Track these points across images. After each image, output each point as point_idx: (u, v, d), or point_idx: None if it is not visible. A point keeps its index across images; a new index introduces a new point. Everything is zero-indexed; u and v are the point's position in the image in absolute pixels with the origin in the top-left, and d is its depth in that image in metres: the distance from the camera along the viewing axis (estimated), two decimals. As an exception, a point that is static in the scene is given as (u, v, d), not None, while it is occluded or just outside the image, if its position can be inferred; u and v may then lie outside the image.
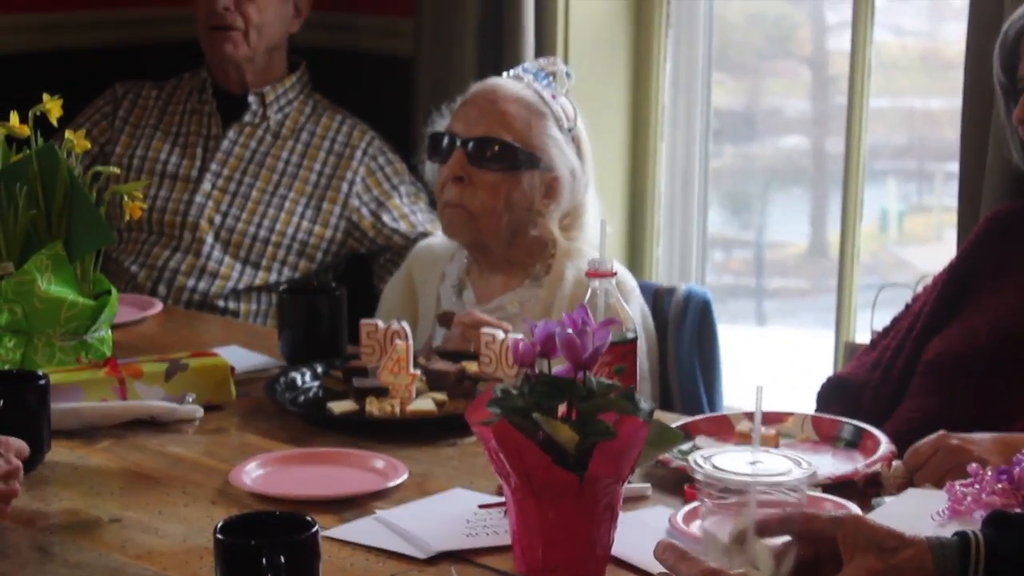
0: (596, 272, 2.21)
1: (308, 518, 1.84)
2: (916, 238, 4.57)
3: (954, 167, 4.19)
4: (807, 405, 2.81)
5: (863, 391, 2.69)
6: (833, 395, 2.73)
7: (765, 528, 1.72)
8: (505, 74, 3.08)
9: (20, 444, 2.16)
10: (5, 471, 2.11)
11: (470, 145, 2.98)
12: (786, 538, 1.73)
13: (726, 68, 4.02)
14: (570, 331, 1.89)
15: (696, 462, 1.81)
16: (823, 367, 3.60)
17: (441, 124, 3.08)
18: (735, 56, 4.11)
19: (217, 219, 3.68)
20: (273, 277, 3.67)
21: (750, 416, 2.42)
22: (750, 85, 4.35)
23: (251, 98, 3.76)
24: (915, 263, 4.38)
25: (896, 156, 4.20)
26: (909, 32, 4.15)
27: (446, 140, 3.02)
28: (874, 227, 3.71)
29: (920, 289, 2.80)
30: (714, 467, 1.79)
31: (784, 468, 1.79)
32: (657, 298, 3.17)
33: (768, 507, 1.74)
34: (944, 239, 4.44)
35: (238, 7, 3.69)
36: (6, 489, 2.11)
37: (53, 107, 2.70)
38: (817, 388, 2.78)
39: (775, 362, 4.17)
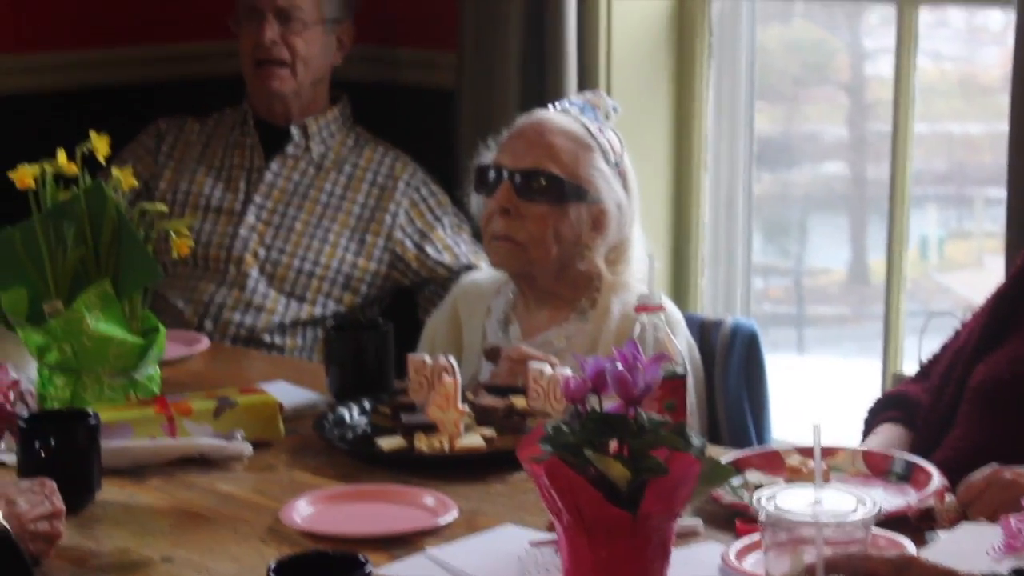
0: (645, 307, 2.22)
1: (360, 557, 1.84)
2: (956, 264, 4.54)
3: (994, 192, 4.18)
4: (854, 435, 2.80)
5: (916, 409, 2.68)
6: (889, 405, 2.72)
7: (826, 568, 1.71)
8: (551, 107, 3.08)
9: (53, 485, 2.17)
10: (49, 512, 2.12)
11: (517, 177, 2.98)
12: None
13: (763, 95, 4.02)
14: (621, 367, 1.89)
15: (759, 501, 1.80)
16: (868, 396, 3.58)
17: (487, 157, 3.08)
18: (772, 83, 4.11)
19: (262, 252, 3.69)
20: (318, 311, 3.68)
21: (801, 451, 2.41)
22: (787, 112, 4.34)
23: (294, 130, 3.77)
24: (956, 289, 4.36)
25: (936, 182, 4.18)
26: (947, 57, 4.14)
27: (493, 173, 3.03)
28: (914, 253, 3.70)
29: (969, 316, 2.79)
30: (778, 507, 1.79)
31: (848, 506, 1.79)
32: (703, 331, 3.16)
33: (829, 546, 1.73)
34: (985, 265, 4.42)
35: (285, 40, 3.70)
36: (50, 530, 2.12)
37: (100, 145, 2.71)
38: (866, 412, 2.77)
39: (818, 391, 4.15)
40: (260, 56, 3.71)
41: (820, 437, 1.83)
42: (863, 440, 2.69)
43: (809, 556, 1.72)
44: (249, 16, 3.73)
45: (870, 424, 2.73)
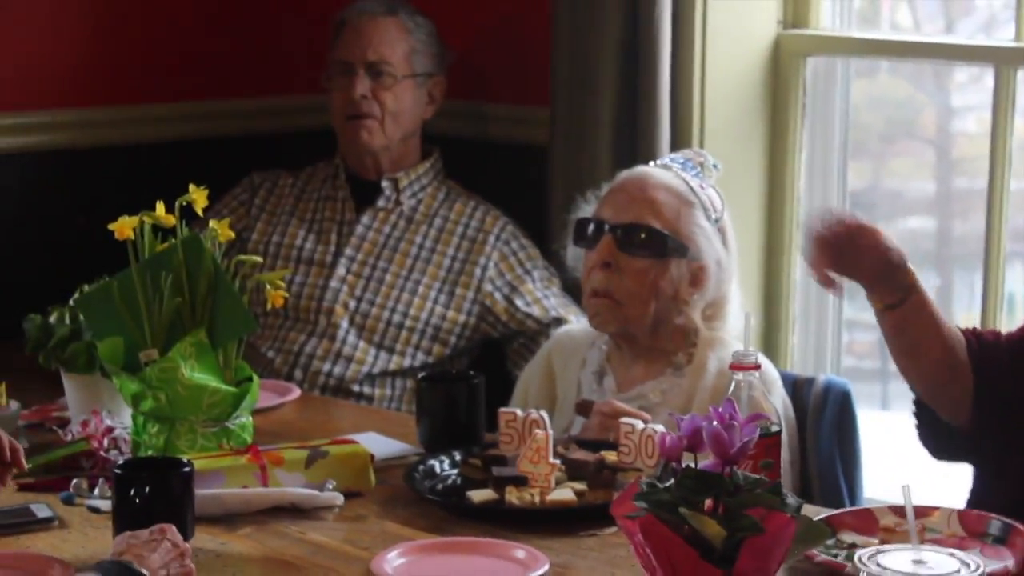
0: (740, 365, 2.21)
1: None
2: (1044, 321, 4.51)
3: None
4: (941, 493, 2.78)
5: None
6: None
7: None
8: (652, 163, 3.09)
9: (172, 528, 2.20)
10: (178, 552, 2.15)
11: (619, 231, 2.99)
12: None
13: (850, 150, 4.01)
14: (717, 425, 1.89)
15: (860, 560, 1.79)
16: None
17: (587, 210, 3.09)
18: (858, 138, 4.10)
19: (352, 304, 3.72)
20: (407, 362, 3.70)
21: (895, 510, 2.40)
22: (873, 167, 4.33)
23: (384, 183, 3.80)
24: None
25: (1023, 239, 4.15)
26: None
27: (593, 226, 3.03)
28: (1003, 310, 3.68)
29: None
30: (879, 566, 1.78)
31: (951, 567, 1.78)
32: (796, 388, 3.15)
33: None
34: (1072, 321, 4.38)
35: (375, 95, 3.74)
36: (185, 571, 2.14)
37: (199, 197, 2.74)
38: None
39: (905, 449, 4.12)
40: (350, 112, 3.75)
41: (911, 497, 1.82)
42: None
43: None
44: (341, 71, 3.77)
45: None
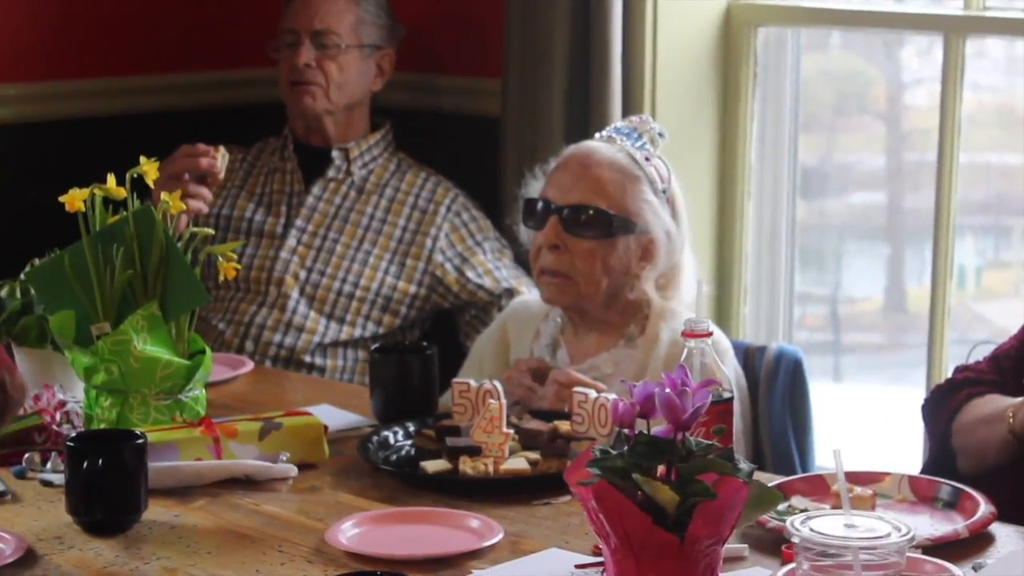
0: (692, 332, 2.22)
1: (408, 578, 1.85)
2: (994, 294, 4.54)
3: (1032, 223, 4.17)
4: (894, 462, 2.80)
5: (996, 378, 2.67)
6: (963, 385, 2.71)
7: None
8: (597, 135, 3.09)
9: None
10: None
11: (564, 212, 2.99)
12: None
13: (801, 124, 4.03)
14: (670, 392, 1.89)
15: (793, 525, 1.81)
16: (908, 424, 3.59)
17: (535, 187, 3.09)
18: (810, 112, 4.12)
19: (302, 274, 3.72)
20: (358, 332, 3.70)
21: (847, 476, 2.41)
22: (824, 140, 4.35)
23: (335, 153, 3.80)
24: (993, 319, 4.36)
25: (974, 212, 4.18)
26: (986, 88, 4.14)
27: (540, 206, 3.03)
28: (951, 283, 3.70)
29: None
30: (812, 530, 1.79)
31: (882, 531, 1.79)
32: (748, 357, 3.17)
33: (869, 571, 1.73)
34: (1023, 294, 4.41)
35: (320, 64, 3.74)
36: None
37: (150, 169, 2.73)
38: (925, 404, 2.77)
39: (858, 419, 4.15)
40: (295, 78, 3.75)
41: (841, 461, 1.84)
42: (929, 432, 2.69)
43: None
44: (288, 40, 3.78)
45: (935, 410, 2.72)
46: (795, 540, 1.79)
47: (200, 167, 3.32)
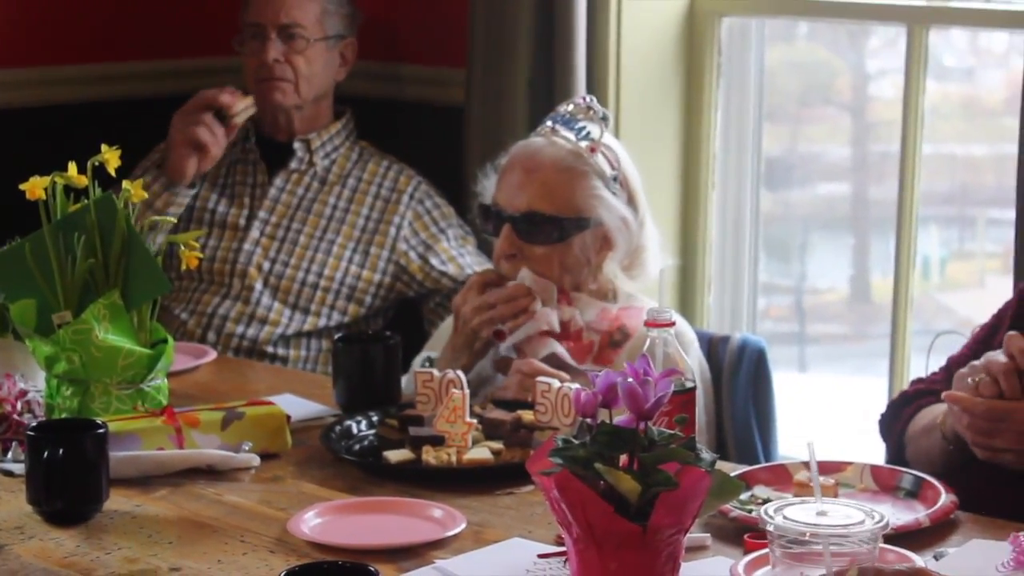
0: (655, 322, 2.22)
1: (371, 568, 1.84)
2: (958, 284, 4.56)
3: (996, 213, 4.19)
4: (858, 452, 2.80)
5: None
6: (916, 397, 2.71)
7: None
8: (540, 128, 3.03)
9: None
10: None
11: (516, 222, 2.97)
12: None
13: (766, 115, 4.03)
14: (632, 381, 1.89)
15: (766, 513, 1.81)
16: (872, 413, 3.60)
17: (487, 186, 3.06)
18: (775, 103, 4.12)
19: (266, 266, 3.71)
20: (322, 322, 3.70)
21: (809, 465, 2.42)
22: (790, 132, 4.36)
23: (297, 145, 3.79)
24: (957, 309, 4.37)
25: (938, 203, 4.20)
26: (951, 79, 4.16)
27: (492, 213, 3.02)
28: (916, 273, 3.72)
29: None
30: (785, 518, 1.79)
31: (855, 518, 1.79)
32: (711, 347, 3.17)
33: (838, 558, 1.74)
34: (987, 285, 4.43)
35: (287, 59, 3.72)
36: None
37: (111, 157, 2.71)
38: (882, 416, 2.77)
39: (823, 409, 4.16)
40: (263, 75, 3.73)
41: (815, 453, 1.84)
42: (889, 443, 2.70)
43: (820, 569, 1.73)
44: (252, 34, 3.75)
45: (890, 425, 2.72)
46: (769, 528, 1.79)
47: (219, 100, 3.54)
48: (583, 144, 2.96)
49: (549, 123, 3.02)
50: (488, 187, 3.06)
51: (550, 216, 2.95)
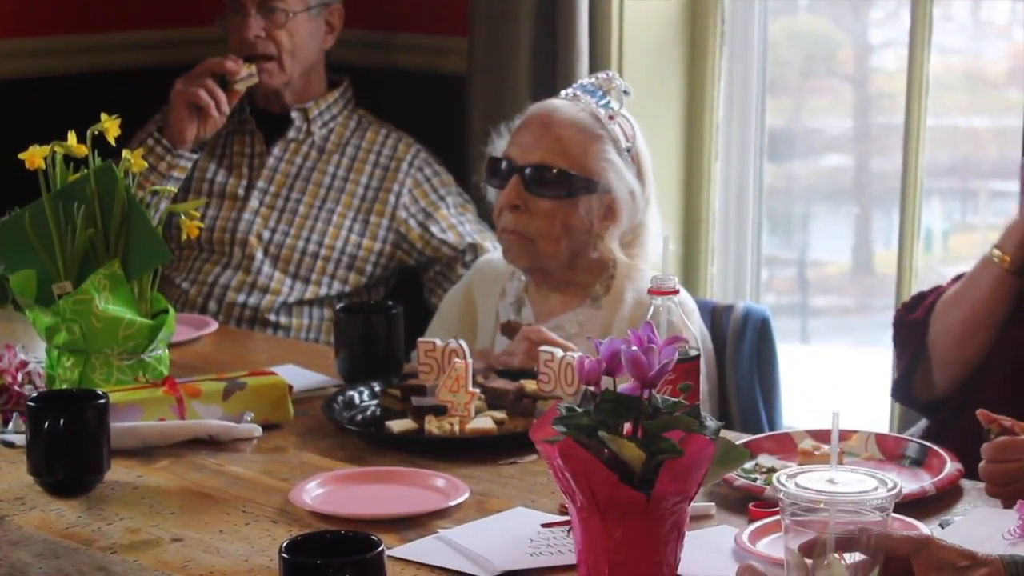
0: (658, 290, 2.21)
1: (374, 537, 1.83)
2: (960, 257, 4.55)
3: (999, 185, 4.18)
4: (862, 423, 2.79)
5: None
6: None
7: (842, 546, 1.71)
8: (562, 93, 3.07)
9: None
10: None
11: (526, 172, 2.98)
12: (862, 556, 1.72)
13: (768, 87, 4.02)
14: (636, 349, 1.88)
15: (779, 481, 1.80)
16: (876, 386, 3.59)
17: (499, 145, 3.08)
18: (777, 75, 4.11)
19: (266, 235, 3.70)
20: (323, 291, 3.69)
21: (813, 434, 2.41)
22: (792, 104, 4.34)
23: (294, 114, 3.78)
24: (959, 282, 4.36)
25: (940, 175, 4.18)
26: (953, 51, 4.14)
27: (503, 165, 3.02)
28: (918, 245, 3.71)
29: None
30: (798, 486, 1.78)
31: (868, 486, 1.79)
32: (715, 316, 3.17)
33: (846, 526, 1.73)
34: (991, 257, 4.42)
35: (269, 35, 3.70)
36: None
37: (111, 127, 2.70)
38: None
39: (826, 381, 4.15)
40: (246, 52, 3.71)
41: (838, 423, 1.83)
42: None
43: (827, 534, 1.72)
44: (233, 10, 3.73)
45: (909, 313, 2.72)
46: (781, 496, 1.78)
47: (224, 66, 3.59)
48: (602, 111, 2.98)
49: (571, 89, 3.06)
50: (500, 145, 3.07)
51: (562, 170, 2.96)
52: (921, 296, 2.76)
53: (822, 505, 1.75)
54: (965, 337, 2.62)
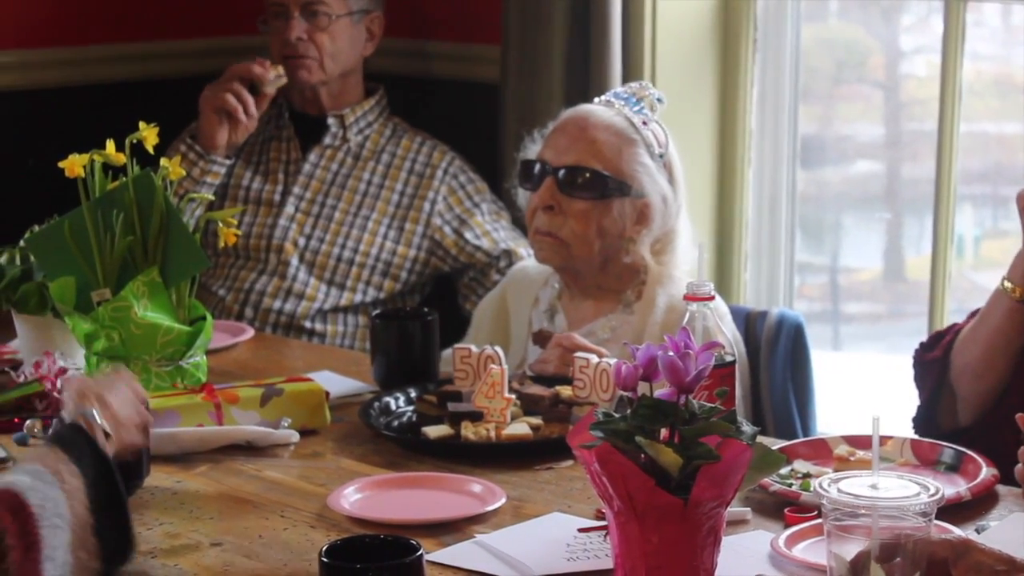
0: (694, 296, 2.22)
1: (413, 542, 1.85)
2: (992, 263, 4.53)
3: (1031, 192, 4.17)
4: (896, 429, 2.80)
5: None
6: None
7: (885, 551, 1.72)
8: (596, 99, 3.09)
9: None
10: (140, 398, 2.18)
11: (560, 173, 3.00)
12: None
13: (800, 93, 4.02)
14: (672, 354, 1.89)
15: (821, 486, 1.81)
16: (909, 393, 3.59)
17: (532, 150, 3.09)
18: (808, 82, 4.11)
19: (302, 241, 3.72)
20: (358, 298, 3.71)
21: (849, 440, 2.42)
22: (823, 110, 4.34)
23: (331, 120, 3.80)
24: (991, 288, 4.35)
25: (972, 181, 4.17)
26: (983, 57, 4.13)
27: (537, 167, 3.04)
28: (951, 251, 3.71)
29: None
30: (840, 491, 1.79)
31: (910, 491, 1.79)
32: (749, 322, 3.17)
33: (887, 531, 1.73)
34: (1021, 264, 4.40)
35: (311, 36, 3.72)
36: (143, 419, 2.17)
37: (149, 135, 2.72)
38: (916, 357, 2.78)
39: (858, 388, 4.15)
40: (287, 52, 3.73)
41: (879, 427, 1.84)
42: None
43: (870, 542, 1.72)
44: (275, 13, 3.76)
45: (927, 353, 2.73)
46: (823, 502, 1.79)
47: (251, 71, 3.59)
48: (636, 117, 3.01)
49: (606, 96, 3.08)
50: (533, 150, 3.08)
51: (596, 171, 2.97)
52: (939, 335, 2.77)
53: (864, 510, 1.76)
54: (984, 370, 2.63)
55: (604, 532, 2.07)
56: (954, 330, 2.73)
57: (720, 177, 3.92)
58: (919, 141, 4.06)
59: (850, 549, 1.75)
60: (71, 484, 1.85)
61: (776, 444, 2.44)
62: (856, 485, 1.80)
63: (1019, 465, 2.21)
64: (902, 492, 1.79)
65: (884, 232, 4.44)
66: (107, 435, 2.04)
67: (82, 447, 1.96)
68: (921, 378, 2.75)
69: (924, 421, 2.75)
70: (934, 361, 2.71)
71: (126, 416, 2.12)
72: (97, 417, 2.05)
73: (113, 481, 1.96)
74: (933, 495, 1.78)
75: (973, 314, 2.77)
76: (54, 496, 1.79)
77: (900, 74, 4.35)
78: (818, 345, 4.06)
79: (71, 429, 2.02)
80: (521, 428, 2.54)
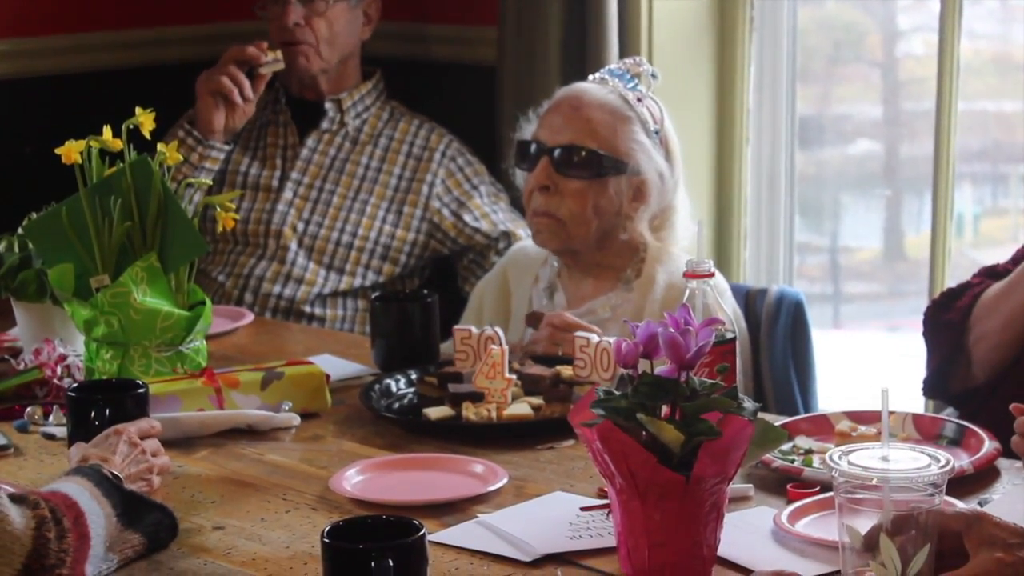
0: (694, 273, 2.22)
1: (415, 522, 1.84)
2: (991, 241, 4.54)
3: (1030, 170, 4.17)
4: (897, 405, 2.79)
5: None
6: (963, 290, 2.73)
7: (897, 523, 1.71)
8: (591, 77, 3.08)
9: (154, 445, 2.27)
10: (138, 450, 2.23)
11: (555, 153, 2.99)
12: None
13: (797, 74, 4.02)
14: (673, 331, 1.89)
15: (832, 459, 1.80)
16: (909, 370, 3.59)
17: (528, 130, 3.09)
18: (805, 62, 4.11)
19: (300, 226, 3.72)
20: (358, 282, 3.71)
21: (851, 415, 2.42)
22: (821, 91, 4.34)
23: (328, 105, 3.79)
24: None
25: (970, 159, 4.17)
26: (981, 35, 4.13)
27: (532, 148, 3.04)
28: (951, 230, 3.71)
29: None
30: (850, 464, 1.79)
31: (921, 463, 1.79)
32: (749, 299, 3.17)
33: (899, 504, 1.73)
34: (1020, 241, 4.40)
35: (308, 22, 3.71)
36: (147, 467, 2.23)
37: (146, 120, 2.72)
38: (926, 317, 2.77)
39: (858, 366, 4.15)
40: (285, 38, 3.73)
41: (888, 401, 1.84)
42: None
43: (882, 514, 1.72)
44: (272, 0, 3.74)
45: (942, 313, 2.73)
46: (834, 475, 1.78)
47: (246, 53, 3.58)
48: (631, 93, 3.00)
49: (600, 73, 3.07)
50: (529, 130, 3.08)
51: (591, 150, 2.97)
52: (952, 294, 2.75)
53: (875, 482, 1.75)
54: (1002, 341, 2.63)
55: (606, 510, 2.07)
56: (971, 293, 2.72)
57: (719, 156, 3.92)
58: (917, 120, 4.06)
59: (862, 522, 1.75)
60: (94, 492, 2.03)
61: (777, 420, 2.44)
62: (866, 457, 1.80)
63: (1015, 437, 2.21)
64: (913, 464, 1.79)
65: (883, 211, 4.44)
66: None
67: (87, 471, 2.09)
68: (934, 338, 2.74)
69: (935, 383, 2.75)
70: (950, 324, 2.70)
71: (132, 474, 2.19)
72: (103, 469, 2.10)
73: (126, 491, 2.09)
74: (943, 466, 1.78)
75: (981, 273, 2.76)
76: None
77: (898, 53, 4.35)
78: (819, 325, 4.07)
79: (75, 471, 2.10)
80: (522, 408, 2.54)
